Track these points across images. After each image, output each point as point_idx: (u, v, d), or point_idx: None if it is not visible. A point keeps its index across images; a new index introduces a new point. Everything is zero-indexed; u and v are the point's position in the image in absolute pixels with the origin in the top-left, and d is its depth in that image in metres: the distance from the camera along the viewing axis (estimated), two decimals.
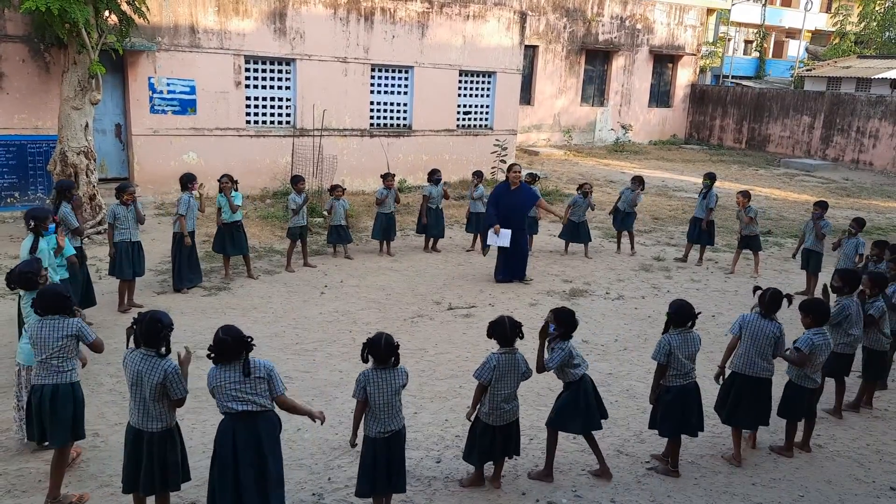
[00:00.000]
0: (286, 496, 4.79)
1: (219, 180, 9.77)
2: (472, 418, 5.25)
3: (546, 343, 5.28)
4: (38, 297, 4.92)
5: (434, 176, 11.86)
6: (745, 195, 11.24)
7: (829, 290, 6.83)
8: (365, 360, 4.70)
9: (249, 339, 4.29)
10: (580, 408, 5.38)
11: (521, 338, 5.13)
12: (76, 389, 4.93)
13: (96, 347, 4.98)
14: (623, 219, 12.18)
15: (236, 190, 9.79)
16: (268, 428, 4.42)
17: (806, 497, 5.52)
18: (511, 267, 10.35)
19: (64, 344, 4.79)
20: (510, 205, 10.04)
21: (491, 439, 5.16)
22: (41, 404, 4.83)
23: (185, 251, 9.18)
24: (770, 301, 5.78)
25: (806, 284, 10.50)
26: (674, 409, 5.55)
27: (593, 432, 5.54)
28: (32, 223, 6.60)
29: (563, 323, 5.26)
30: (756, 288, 6.02)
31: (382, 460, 4.71)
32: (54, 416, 4.81)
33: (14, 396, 5.56)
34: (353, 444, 4.80)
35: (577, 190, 12.05)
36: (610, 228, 14.02)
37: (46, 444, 5.47)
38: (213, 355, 4.27)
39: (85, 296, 8.03)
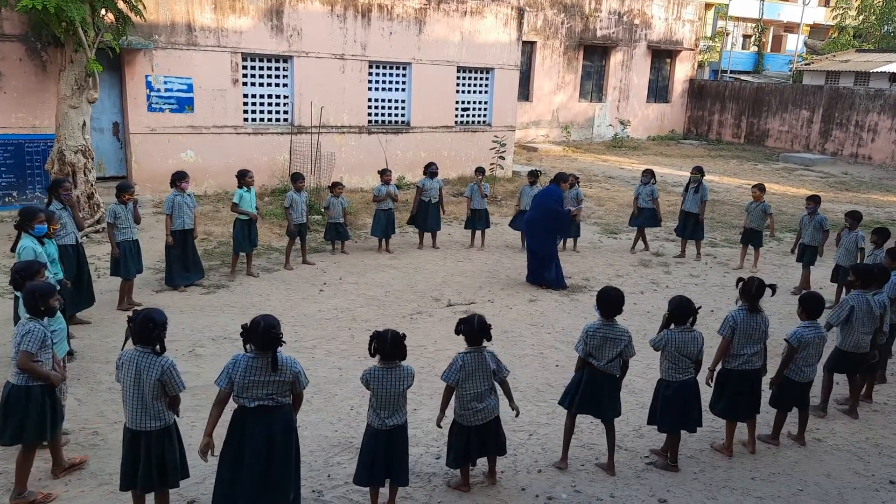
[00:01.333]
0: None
1: (244, 177, 9.77)
2: (451, 420, 5.17)
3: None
4: (23, 294, 5.00)
5: (429, 168, 11.79)
6: (761, 188, 11.08)
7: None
8: (372, 354, 4.73)
9: (279, 336, 4.33)
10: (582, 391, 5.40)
11: (489, 339, 5.05)
12: (43, 391, 4.87)
13: (22, 360, 4.75)
14: (647, 216, 12.00)
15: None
16: (282, 423, 4.47)
17: (805, 491, 5.52)
18: (534, 271, 10.23)
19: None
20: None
21: (466, 440, 5.09)
22: (7, 400, 4.83)
23: (175, 250, 9.16)
24: (756, 293, 5.75)
25: (801, 279, 10.50)
26: (674, 404, 5.55)
27: (615, 427, 5.62)
28: (16, 221, 6.65)
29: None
30: (739, 279, 5.96)
31: (381, 452, 4.75)
32: (21, 415, 4.81)
33: None
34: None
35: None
36: (608, 224, 14.06)
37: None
38: (242, 333, 4.35)
39: (85, 294, 8.03)
